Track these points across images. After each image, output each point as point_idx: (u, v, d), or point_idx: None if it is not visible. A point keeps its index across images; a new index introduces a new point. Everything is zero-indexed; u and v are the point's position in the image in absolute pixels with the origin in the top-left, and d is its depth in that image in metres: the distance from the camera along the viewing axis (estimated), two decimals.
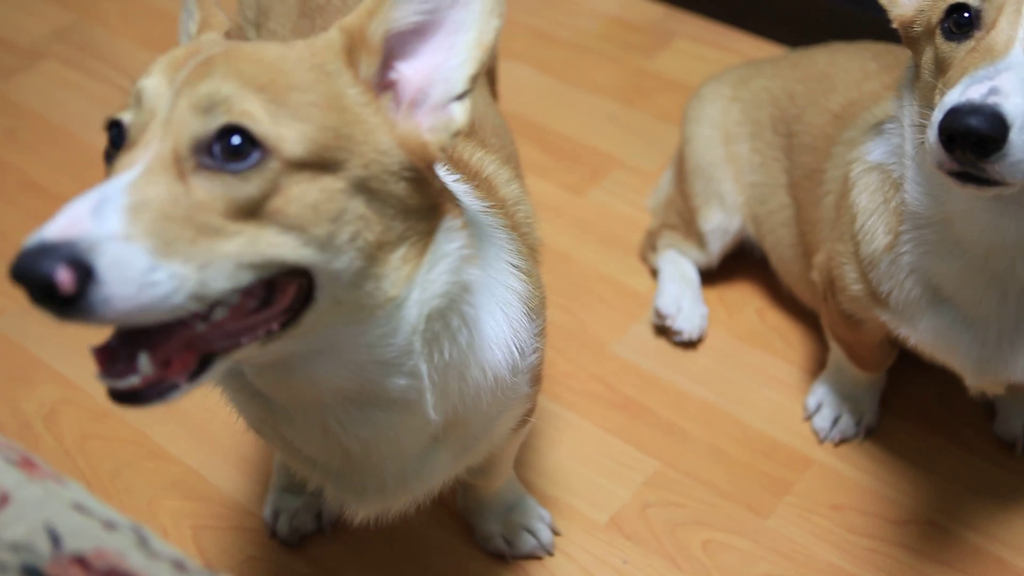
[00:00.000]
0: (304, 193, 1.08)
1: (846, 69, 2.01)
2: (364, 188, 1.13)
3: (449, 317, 1.25)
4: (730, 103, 2.19)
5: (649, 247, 2.36)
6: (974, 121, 1.32)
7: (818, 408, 2.06)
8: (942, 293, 1.66)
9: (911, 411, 2.09)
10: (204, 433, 2.06)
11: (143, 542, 0.92)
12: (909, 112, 1.60)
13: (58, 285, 0.95)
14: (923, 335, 1.72)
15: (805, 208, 1.98)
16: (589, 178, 2.61)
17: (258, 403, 1.31)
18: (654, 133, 2.71)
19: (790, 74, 2.11)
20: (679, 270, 2.28)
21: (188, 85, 1.08)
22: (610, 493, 1.97)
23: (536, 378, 1.52)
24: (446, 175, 1.35)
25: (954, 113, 1.34)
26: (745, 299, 2.32)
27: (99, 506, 0.95)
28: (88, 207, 0.99)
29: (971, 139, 1.33)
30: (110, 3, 3.18)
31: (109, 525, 0.92)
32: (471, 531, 1.90)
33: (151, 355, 1.05)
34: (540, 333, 1.47)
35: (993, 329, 1.65)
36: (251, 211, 1.06)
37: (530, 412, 1.60)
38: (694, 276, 2.29)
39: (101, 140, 1.15)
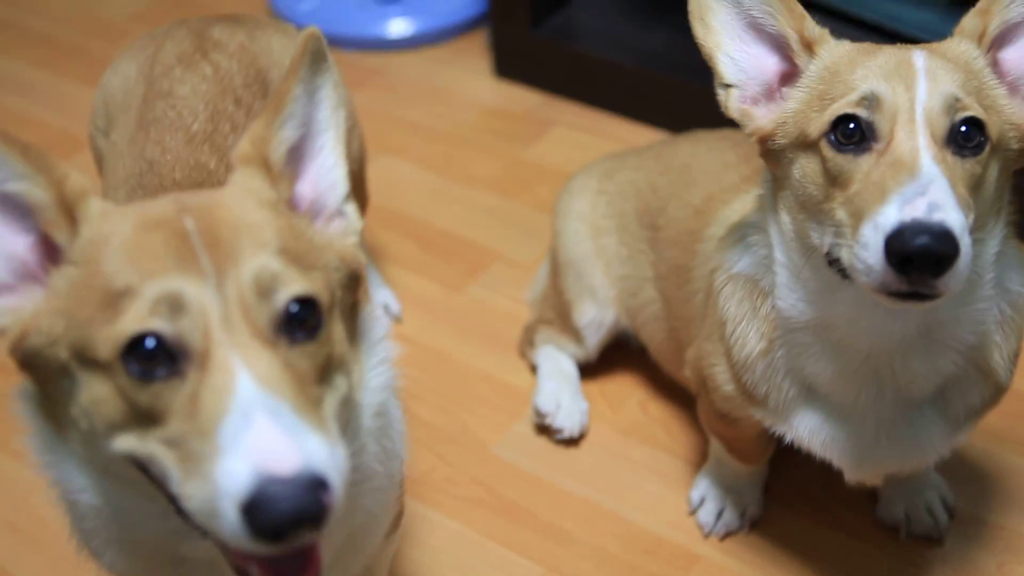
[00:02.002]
0: (335, 332, 1.13)
1: (706, 160, 1.99)
2: (339, 309, 1.17)
3: (385, 409, 1.27)
4: (597, 196, 2.17)
5: (527, 343, 2.33)
6: (928, 240, 1.28)
7: (702, 502, 2.03)
8: (818, 391, 1.64)
9: (795, 499, 2.07)
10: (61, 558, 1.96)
11: None
12: (779, 224, 1.56)
13: (329, 509, 0.99)
14: (799, 432, 1.69)
15: (675, 303, 1.96)
16: (468, 273, 2.57)
17: (163, 562, 1.26)
18: (533, 224, 2.69)
19: (653, 166, 2.10)
20: (557, 366, 2.24)
21: (230, 265, 1.07)
22: None
23: (402, 479, 1.50)
24: None
25: (902, 234, 1.29)
26: (627, 392, 2.29)
27: None
28: (275, 429, 0.99)
29: (929, 259, 1.29)
30: None
31: None
32: None
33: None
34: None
35: (870, 423, 1.63)
36: (326, 369, 1.11)
37: (400, 515, 1.56)
38: (573, 371, 2.25)
39: None
